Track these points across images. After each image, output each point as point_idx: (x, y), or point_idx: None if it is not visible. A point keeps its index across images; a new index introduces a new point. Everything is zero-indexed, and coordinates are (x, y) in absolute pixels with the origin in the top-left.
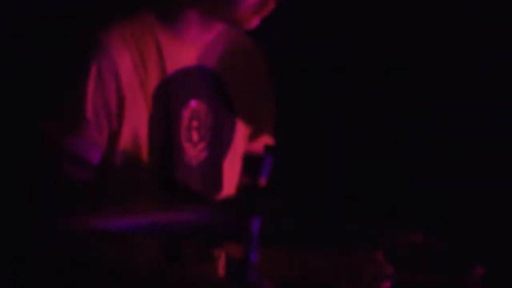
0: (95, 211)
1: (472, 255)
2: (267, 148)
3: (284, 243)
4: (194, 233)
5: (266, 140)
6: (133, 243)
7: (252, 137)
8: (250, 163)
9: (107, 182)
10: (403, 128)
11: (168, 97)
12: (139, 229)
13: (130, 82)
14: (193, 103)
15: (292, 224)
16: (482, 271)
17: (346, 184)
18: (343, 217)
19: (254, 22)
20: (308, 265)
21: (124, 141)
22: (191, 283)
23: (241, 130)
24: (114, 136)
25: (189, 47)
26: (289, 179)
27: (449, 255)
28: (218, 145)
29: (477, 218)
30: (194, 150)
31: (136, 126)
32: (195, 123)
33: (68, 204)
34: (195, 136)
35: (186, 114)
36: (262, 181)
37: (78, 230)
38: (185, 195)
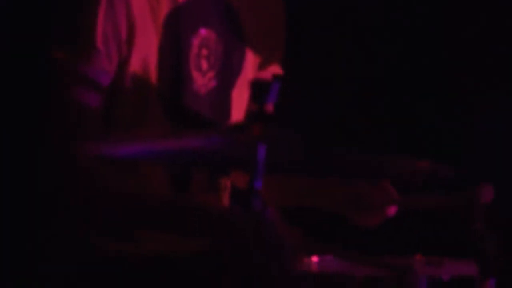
0: (103, 137)
1: (479, 183)
2: (275, 76)
3: (291, 171)
4: (202, 160)
5: (274, 69)
6: (140, 170)
7: (261, 66)
8: (257, 89)
9: (116, 110)
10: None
11: (178, 24)
12: (146, 156)
13: (141, 9)
14: (203, 31)
15: (299, 152)
16: (489, 198)
17: (354, 114)
18: (351, 145)
19: None
20: (315, 193)
21: (134, 68)
22: (199, 211)
23: (251, 59)
24: (123, 63)
25: None
26: (298, 108)
27: (455, 182)
28: (228, 74)
29: (487, 147)
30: (203, 79)
31: (146, 53)
32: (204, 52)
33: (77, 130)
34: (204, 64)
35: (195, 42)
36: (269, 107)
37: (86, 156)
38: (193, 123)
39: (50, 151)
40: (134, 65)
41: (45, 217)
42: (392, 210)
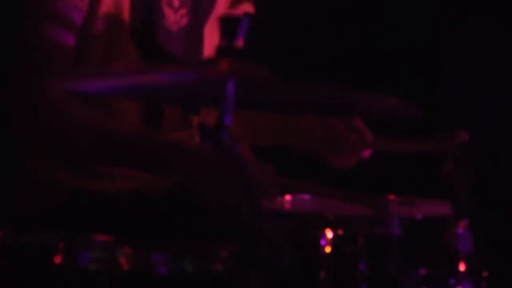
0: (74, 73)
1: (455, 123)
2: (246, 14)
3: (263, 109)
4: (172, 95)
5: (246, 8)
6: (112, 107)
7: (233, 4)
8: (226, 24)
9: (88, 47)
10: None
11: None
12: (117, 91)
13: None
14: None
15: (272, 89)
16: (464, 138)
17: (325, 51)
18: (323, 83)
19: None
20: (289, 132)
21: (106, 5)
22: (169, 148)
23: None
24: (95, 1)
25: None
26: (269, 44)
27: (429, 122)
28: (199, 12)
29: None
30: (174, 16)
31: None
32: None
33: (48, 66)
34: (176, 1)
35: None
36: (239, 43)
37: (57, 91)
38: (166, 60)
39: (20, 87)
40: (106, 2)
41: (15, 153)
42: (366, 152)
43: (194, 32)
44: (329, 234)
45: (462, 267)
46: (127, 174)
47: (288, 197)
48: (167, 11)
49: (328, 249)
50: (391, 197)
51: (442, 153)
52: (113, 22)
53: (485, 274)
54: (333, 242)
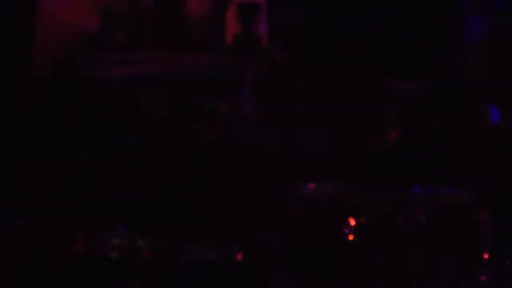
0: (97, 60)
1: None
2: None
3: (292, 98)
4: (193, 83)
5: None
6: (137, 93)
7: None
8: (245, 11)
9: (111, 32)
10: None
11: None
12: (143, 79)
13: None
14: None
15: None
16: (489, 120)
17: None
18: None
19: None
20: (320, 116)
21: None
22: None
23: None
24: None
25: None
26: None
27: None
28: None
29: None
30: (197, 2)
31: None
32: None
33: (73, 53)
34: None
35: None
36: (260, 29)
37: (80, 79)
38: (189, 47)
39: (45, 75)
40: None
41: (39, 141)
42: (393, 135)
43: (217, 18)
44: (352, 222)
45: (485, 255)
46: (151, 163)
47: (311, 185)
48: None
49: (351, 237)
50: (416, 188)
51: (468, 133)
52: (137, 8)
53: (508, 262)
54: (356, 230)
